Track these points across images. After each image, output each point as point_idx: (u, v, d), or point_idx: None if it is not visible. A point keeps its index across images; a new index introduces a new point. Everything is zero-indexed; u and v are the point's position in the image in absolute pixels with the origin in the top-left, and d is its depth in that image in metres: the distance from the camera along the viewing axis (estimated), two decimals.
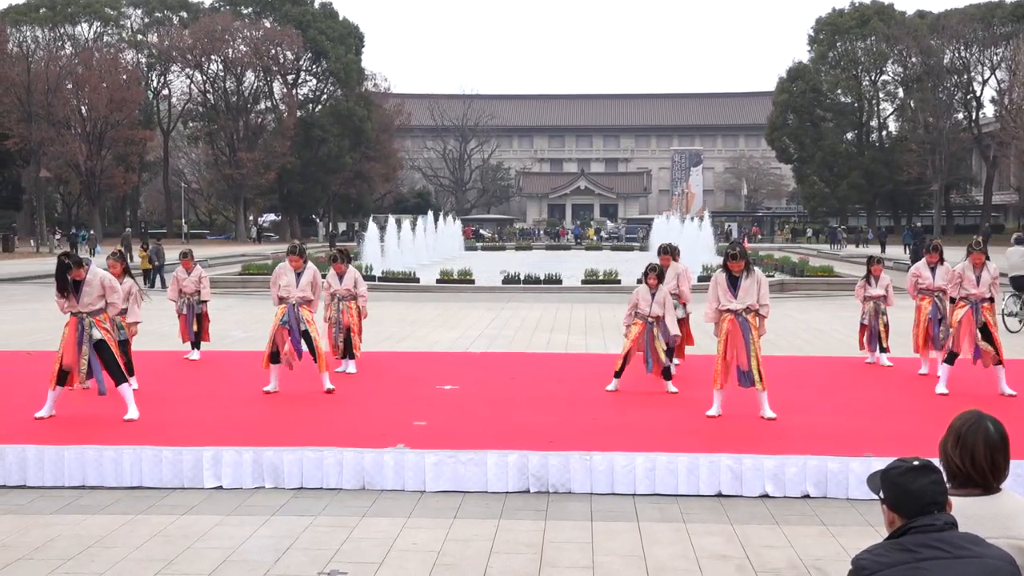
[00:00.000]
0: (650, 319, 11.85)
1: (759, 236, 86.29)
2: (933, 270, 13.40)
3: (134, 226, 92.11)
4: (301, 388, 11.95)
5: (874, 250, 55.51)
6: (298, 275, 11.98)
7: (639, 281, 12.12)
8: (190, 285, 15.28)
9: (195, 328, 15.23)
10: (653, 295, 11.91)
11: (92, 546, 7.17)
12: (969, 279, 12.06)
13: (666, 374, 12.01)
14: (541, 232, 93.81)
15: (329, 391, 11.77)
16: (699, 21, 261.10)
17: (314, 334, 11.86)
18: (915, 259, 43.63)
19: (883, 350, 14.39)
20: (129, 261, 18.08)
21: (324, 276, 13.25)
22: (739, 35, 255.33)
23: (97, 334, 10.29)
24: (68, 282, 10.32)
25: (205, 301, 15.42)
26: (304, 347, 11.85)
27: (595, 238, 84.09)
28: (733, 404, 10.67)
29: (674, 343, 12.46)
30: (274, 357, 11.77)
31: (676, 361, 13.09)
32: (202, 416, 10.43)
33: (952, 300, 12.37)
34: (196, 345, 15.25)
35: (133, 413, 10.22)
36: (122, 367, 10.50)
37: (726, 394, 10.61)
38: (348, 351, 13.53)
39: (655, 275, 11.99)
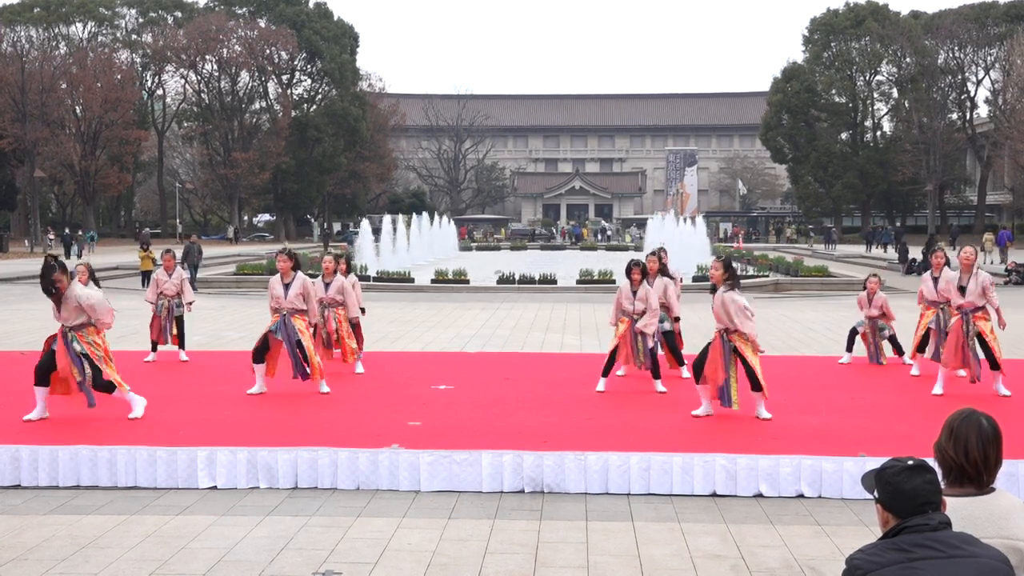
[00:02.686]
0: (635, 316, 11.91)
1: (739, 236, 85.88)
2: (936, 280, 13.12)
3: (128, 226, 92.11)
4: (295, 389, 11.94)
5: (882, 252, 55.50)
6: (287, 286, 11.84)
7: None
8: (171, 287, 15.03)
9: (174, 331, 14.99)
10: (635, 292, 11.96)
11: (87, 546, 7.16)
12: (955, 291, 11.90)
13: (655, 373, 12.04)
14: (534, 232, 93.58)
15: (324, 393, 11.75)
16: (694, 21, 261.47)
17: (307, 343, 11.71)
18: (901, 257, 43.96)
19: (900, 353, 14.52)
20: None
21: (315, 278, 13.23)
22: (734, 35, 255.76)
23: (78, 347, 10.18)
24: (52, 285, 10.20)
25: (190, 302, 15.24)
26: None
27: (593, 238, 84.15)
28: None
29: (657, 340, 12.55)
30: (258, 356, 11.68)
31: (686, 374, 13.15)
32: (196, 416, 10.42)
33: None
34: (182, 345, 15.15)
35: (138, 411, 10.20)
36: (107, 378, 10.29)
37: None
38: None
39: (638, 270, 12.03)
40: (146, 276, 33.13)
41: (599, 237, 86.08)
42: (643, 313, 11.89)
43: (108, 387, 10.26)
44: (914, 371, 13.53)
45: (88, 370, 10.20)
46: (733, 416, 10.40)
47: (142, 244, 34.49)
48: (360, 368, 13.62)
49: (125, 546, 7.16)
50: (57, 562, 6.84)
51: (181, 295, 15.10)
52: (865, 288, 14.70)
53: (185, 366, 14.54)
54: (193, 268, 32.78)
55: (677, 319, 13.51)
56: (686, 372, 13.24)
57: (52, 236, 64.29)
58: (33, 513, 8.05)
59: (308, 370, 11.67)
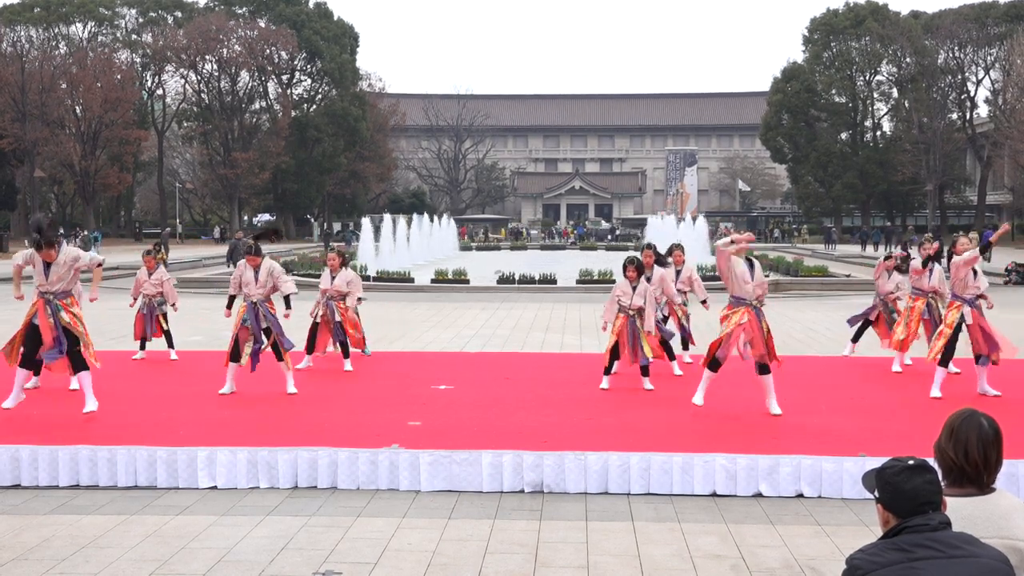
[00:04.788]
0: (631, 311, 11.95)
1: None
2: (931, 272, 13.36)
3: (128, 226, 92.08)
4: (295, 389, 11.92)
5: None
6: (256, 272, 11.92)
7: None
8: (150, 288, 15.02)
9: (163, 326, 14.94)
10: (634, 288, 12.01)
11: (87, 546, 7.16)
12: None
13: (644, 371, 12.08)
14: (519, 233, 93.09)
15: (291, 394, 11.63)
16: (694, 21, 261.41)
17: (275, 330, 11.75)
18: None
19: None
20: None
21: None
22: (734, 35, 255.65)
23: (65, 317, 10.29)
24: (52, 241, 10.32)
25: (173, 304, 15.10)
26: (265, 343, 11.78)
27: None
28: (726, 403, 10.68)
29: (668, 337, 12.96)
30: (233, 356, 11.68)
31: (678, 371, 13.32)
32: (196, 416, 10.42)
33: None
34: (171, 344, 15.13)
35: (91, 405, 10.15)
36: (83, 356, 10.38)
37: (720, 394, 10.61)
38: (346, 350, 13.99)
39: (633, 267, 12.16)
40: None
41: (608, 237, 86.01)
42: (640, 309, 11.96)
43: (82, 365, 10.29)
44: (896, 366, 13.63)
45: (65, 342, 10.25)
46: (733, 416, 10.40)
47: (156, 246, 34.44)
48: (349, 366, 13.68)
49: (125, 546, 7.16)
50: (57, 562, 6.84)
51: (163, 294, 15.09)
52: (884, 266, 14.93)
53: (184, 366, 14.51)
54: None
55: (703, 301, 14.27)
56: (677, 368, 13.38)
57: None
58: (33, 513, 8.05)
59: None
